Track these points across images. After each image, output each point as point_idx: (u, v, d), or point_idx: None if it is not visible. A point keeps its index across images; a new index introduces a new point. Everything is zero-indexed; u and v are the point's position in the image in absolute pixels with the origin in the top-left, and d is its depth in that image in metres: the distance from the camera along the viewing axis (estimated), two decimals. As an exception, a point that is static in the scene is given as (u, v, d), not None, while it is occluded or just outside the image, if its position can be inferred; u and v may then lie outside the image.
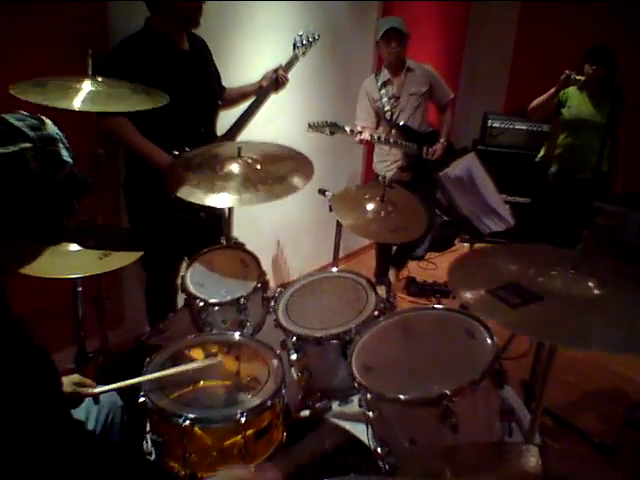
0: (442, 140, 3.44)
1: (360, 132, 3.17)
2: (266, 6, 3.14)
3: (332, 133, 3.09)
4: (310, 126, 3.06)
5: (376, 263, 3.76)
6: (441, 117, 3.55)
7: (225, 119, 2.57)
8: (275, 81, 2.56)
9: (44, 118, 1.04)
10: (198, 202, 1.97)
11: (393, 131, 3.37)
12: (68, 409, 1.07)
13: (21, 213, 0.98)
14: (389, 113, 3.35)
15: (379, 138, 3.28)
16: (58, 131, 1.05)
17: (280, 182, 2.04)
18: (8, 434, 0.90)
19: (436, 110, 3.60)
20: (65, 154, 1.04)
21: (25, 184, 0.97)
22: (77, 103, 1.68)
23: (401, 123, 3.36)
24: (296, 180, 2.05)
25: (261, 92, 2.56)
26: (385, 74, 3.39)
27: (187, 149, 2.28)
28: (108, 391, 1.50)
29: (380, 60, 4.18)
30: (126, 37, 2.26)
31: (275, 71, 2.57)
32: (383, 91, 3.35)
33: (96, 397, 1.49)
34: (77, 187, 1.07)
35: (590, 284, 1.33)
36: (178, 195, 1.99)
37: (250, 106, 2.55)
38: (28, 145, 0.97)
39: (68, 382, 1.41)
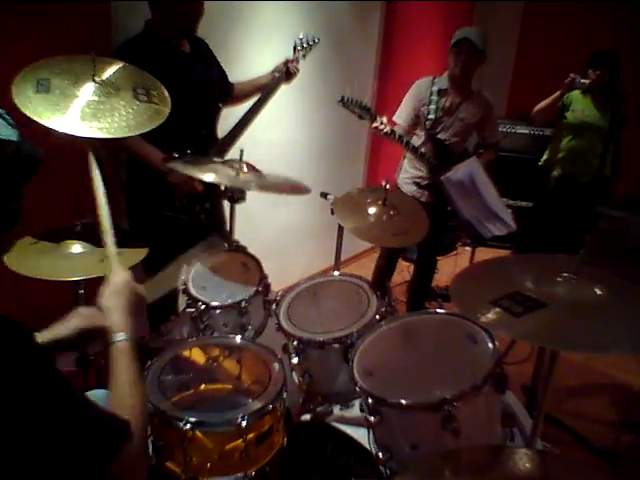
0: None
1: (382, 123, 2.78)
2: (268, 7, 3.15)
3: (360, 117, 2.75)
4: (342, 100, 2.67)
5: (376, 270, 3.52)
6: (483, 153, 3.24)
7: (226, 121, 2.58)
8: (286, 72, 2.61)
9: None
10: (191, 174, 1.98)
11: (428, 142, 3.08)
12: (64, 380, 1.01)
13: None
14: (430, 123, 3.04)
15: (408, 143, 2.96)
16: None
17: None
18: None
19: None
20: (5, 133, 0.93)
21: None
22: (72, 121, 1.64)
23: (439, 138, 3.07)
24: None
25: (272, 82, 2.60)
26: (444, 82, 3.06)
27: (188, 151, 2.28)
28: None
29: (382, 62, 4.20)
30: (125, 40, 2.27)
31: (285, 63, 2.62)
32: (435, 97, 3.04)
33: None
34: (24, 165, 0.96)
35: (593, 288, 1.33)
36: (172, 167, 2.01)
37: (259, 99, 2.57)
38: None
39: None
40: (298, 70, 2.65)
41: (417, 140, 3.10)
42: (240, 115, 2.54)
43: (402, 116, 3.10)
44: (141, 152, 2.25)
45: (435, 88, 3.04)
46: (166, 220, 2.30)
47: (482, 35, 2.94)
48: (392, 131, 2.83)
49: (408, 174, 3.19)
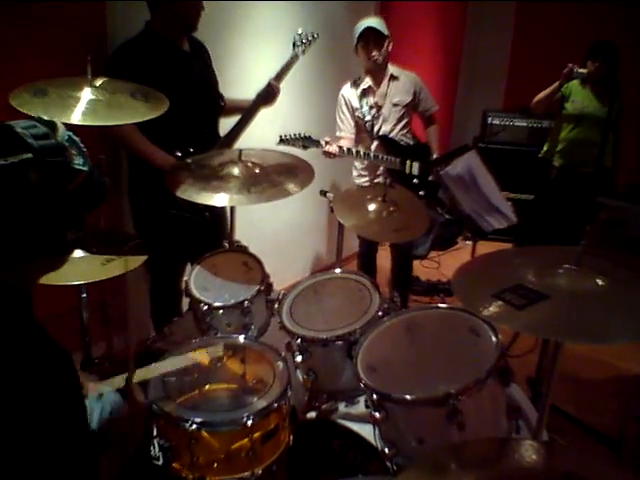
0: (435, 156, 3.14)
1: (327, 142, 2.84)
2: (263, 7, 3.15)
3: (305, 147, 2.81)
4: (282, 140, 2.77)
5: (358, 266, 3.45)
6: (428, 130, 3.28)
7: (226, 121, 2.57)
8: (267, 91, 2.51)
9: (57, 123, 0.99)
10: (191, 199, 2.00)
11: (374, 144, 3.10)
12: (86, 416, 1.05)
13: (22, 226, 0.94)
14: (370, 124, 3.08)
15: (358, 152, 2.98)
16: (73, 137, 1.02)
17: (274, 186, 2.06)
18: (26, 440, 0.90)
19: (421, 122, 3.32)
20: (79, 162, 1.00)
21: (25, 196, 0.93)
22: (77, 116, 1.66)
23: (382, 134, 3.09)
24: (291, 186, 2.06)
25: (252, 104, 2.51)
26: (365, 81, 3.09)
27: (191, 150, 2.28)
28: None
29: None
30: (127, 39, 2.27)
31: (268, 85, 2.52)
32: (364, 100, 3.07)
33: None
34: (92, 195, 1.04)
35: (595, 279, 1.33)
36: (175, 193, 2.01)
37: (241, 118, 2.50)
38: (28, 156, 0.92)
39: None
40: (279, 89, 2.54)
41: (365, 144, 3.12)
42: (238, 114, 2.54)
43: (344, 129, 3.14)
44: (144, 151, 2.25)
45: (358, 91, 3.08)
46: (171, 218, 2.30)
47: (380, 21, 3.00)
48: (341, 149, 2.88)
49: (365, 176, 3.20)
